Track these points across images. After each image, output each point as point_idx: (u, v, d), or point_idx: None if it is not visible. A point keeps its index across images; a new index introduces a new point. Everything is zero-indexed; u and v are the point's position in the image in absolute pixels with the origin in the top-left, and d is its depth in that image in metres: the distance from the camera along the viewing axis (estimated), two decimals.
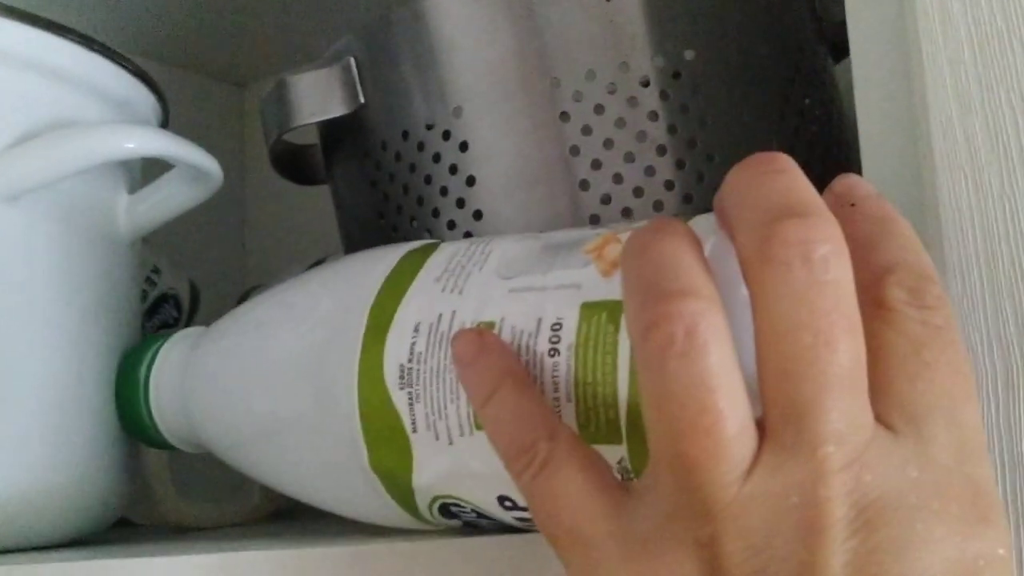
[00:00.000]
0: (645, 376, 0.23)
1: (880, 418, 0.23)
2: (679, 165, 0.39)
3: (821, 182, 0.41)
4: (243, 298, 0.69)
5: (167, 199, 0.40)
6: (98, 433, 0.39)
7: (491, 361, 0.27)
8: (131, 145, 0.36)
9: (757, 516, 0.22)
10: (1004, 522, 0.23)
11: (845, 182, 0.27)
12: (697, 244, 0.25)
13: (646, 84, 0.39)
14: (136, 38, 0.68)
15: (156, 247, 0.63)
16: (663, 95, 0.39)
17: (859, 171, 0.32)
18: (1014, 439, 0.27)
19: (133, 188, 0.41)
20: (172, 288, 0.64)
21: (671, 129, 0.39)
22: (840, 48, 0.46)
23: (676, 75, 0.39)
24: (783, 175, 0.24)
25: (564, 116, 0.39)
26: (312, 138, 0.49)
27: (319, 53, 0.44)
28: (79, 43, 0.37)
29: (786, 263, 0.22)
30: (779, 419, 0.22)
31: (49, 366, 0.37)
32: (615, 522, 0.24)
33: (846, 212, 0.25)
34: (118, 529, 0.44)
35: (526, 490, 0.25)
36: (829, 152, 0.42)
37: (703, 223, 0.28)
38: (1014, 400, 0.27)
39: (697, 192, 0.39)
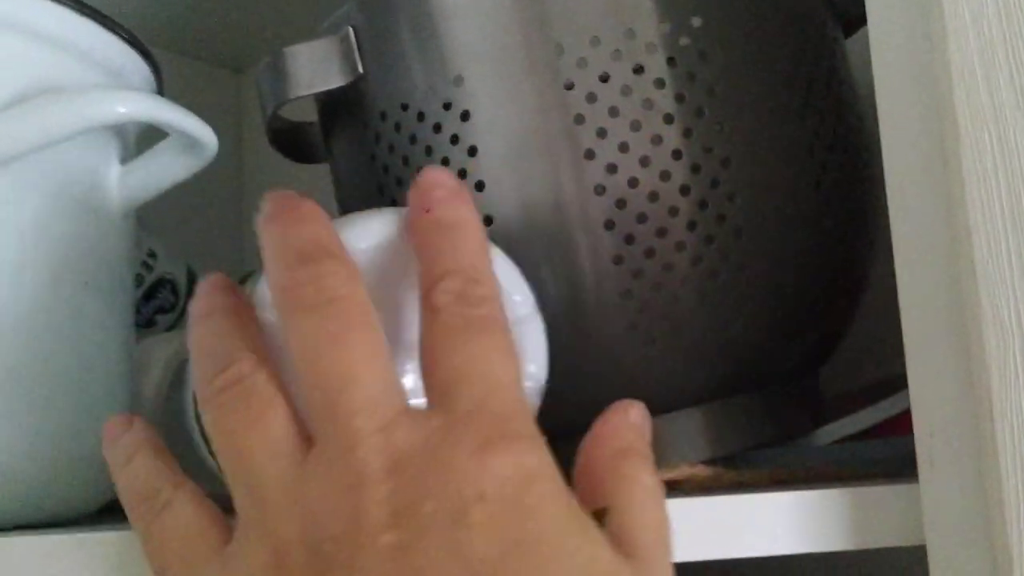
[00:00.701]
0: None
1: (427, 393, 0.28)
2: (686, 134, 0.38)
3: (832, 150, 0.40)
4: (241, 283, 0.68)
5: (160, 169, 0.39)
6: (86, 410, 0.37)
7: (129, 436, 0.32)
8: (123, 109, 0.35)
9: (312, 497, 0.26)
10: (531, 439, 0.28)
11: (427, 177, 0.32)
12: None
13: (653, 51, 0.38)
14: (132, 24, 0.67)
15: (153, 232, 0.61)
16: (670, 62, 0.38)
17: (874, 139, 0.31)
18: None
19: (126, 159, 0.40)
20: (169, 273, 0.63)
21: (678, 97, 0.38)
22: (850, 22, 0.45)
23: (684, 43, 0.38)
24: (304, 224, 0.30)
25: (568, 84, 0.38)
26: (311, 115, 0.48)
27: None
28: (70, 7, 0.36)
29: (301, 301, 0.28)
30: (318, 417, 0.27)
31: (35, 339, 0.36)
32: (217, 552, 0.28)
33: (419, 222, 0.31)
34: (106, 513, 0.43)
35: (144, 530, 0.29)
36: (839, 122, 0.41)
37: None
38: None
39: (705, 161, 0.38)
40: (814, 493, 0.30)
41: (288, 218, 0.30)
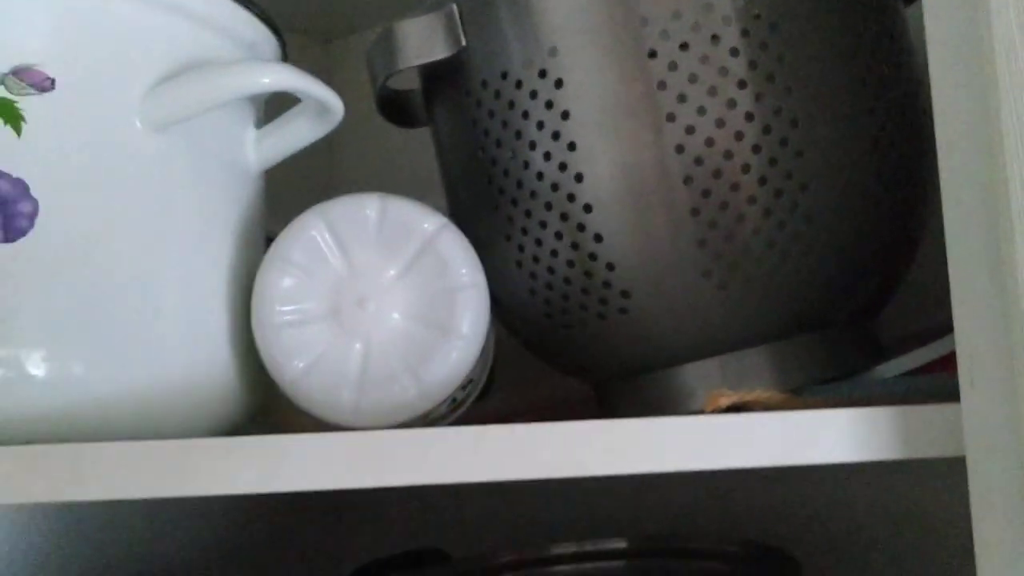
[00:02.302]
0: None
1: None
2: (758, 98, 0.42)
3: (891, 112, 0.44)
4: None
5: (292, 132, 0.44)
6: (227, 343, 0.43)
7: None
8: (266, 80, 0.40)
9: None
10: None
11: None
12: None
13: (728, 23, 0.42)
14: None
15: None
16: (744, 32, 0.42)
17: (927, 104, 0.35)
18: None
19: (259, 124, 0.46)
20: (271, 232, 0.68)
21: (751, 64, 0.42)
22: None
23: (756, 15, 0.42)
24: None
25: (652, 53, 0.42)
26: (412, 83, 0.53)
27: (403, 7, 0.48)
28: None
29: None
30: None
31: (187, 280, 0.41)
32: None
33: None
34: None
35: None
36: (898, 86, 0.45)
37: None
38: None
39: (775, 123, 0.42)
40: (868, 410, 0.35)
41: None
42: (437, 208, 0.48)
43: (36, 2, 0.38)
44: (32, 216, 0.38)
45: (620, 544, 0.57)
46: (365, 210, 0.42)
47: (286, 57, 0.48)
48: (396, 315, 0.42)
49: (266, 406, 0.49)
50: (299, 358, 0.41)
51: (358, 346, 0.41)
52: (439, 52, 0.46)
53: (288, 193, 0.78)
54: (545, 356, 0.51)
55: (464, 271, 0.42)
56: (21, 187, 0.38)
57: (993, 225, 0.32)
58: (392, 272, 0.42)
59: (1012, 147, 0.31)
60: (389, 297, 0.42)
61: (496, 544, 0.64)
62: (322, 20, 0.86)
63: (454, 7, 0.46)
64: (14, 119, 0.38)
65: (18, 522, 0.62)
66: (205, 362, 0.42)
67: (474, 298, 0.42)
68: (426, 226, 0.42)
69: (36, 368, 0.38)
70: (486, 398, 0.58)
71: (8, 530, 0.62)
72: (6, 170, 0.38)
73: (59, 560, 0.64)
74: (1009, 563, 0.32)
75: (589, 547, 0.57)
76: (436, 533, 0.74)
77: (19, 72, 0.38)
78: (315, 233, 0.42)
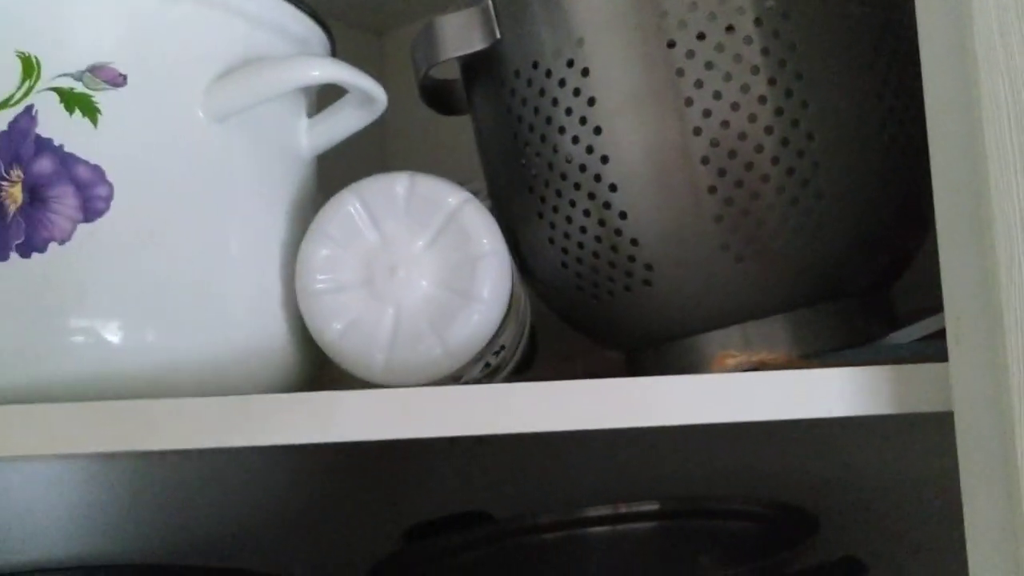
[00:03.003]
0: None
1: None
2: (771, 82, 0.45)
3: (899, 95, 0.46)
4: None
5: (340, 121, 0.49)
6: (283, 313, 0.47)
7: None
8: (316, 73, 0.44)
9: None
10: None
11: None
12: None
13: (742, 12, 0.45)
14: None
15: None
16: (757, 22, 0.45)
17: None
18: None
19: (311, 112, 0.50)
20: None
21: (764, 51, 0.45)
22: None
23: (769, 4, 0.45)
24: None
25: (671, 43, 0.45)
26: (454, 73, 0.56)
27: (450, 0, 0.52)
28: None
29: None
30: None
31: (246, 255, 0.46)
32: None
33: None
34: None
35: None
36: (905, 71, 0.47)
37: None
38: None
39: (787, 106, 0.45)
40: (863, 369, 0.38)
41: None
42: (478, 190, 0.52)
43: (109, 8, 0.43)
44: (108, 199, 0.42)
45: (653, 506, 0.60)
46: (395, 187, 0.46)
47: (335, 51, 0.52)
48: (424, 282, 0.45)
49: (329, 372, 0.53)
50: (336, 321, 0.45)
51: (390, 310, 0.45)
52: (476, 44, 0.50)
53: (345, 176, 0.82)
54: (578, 326, 0.55)
55: (485, 241, 0.46)
56: (98, 173, 0.42)
57: (975, 197, 0.35)
58: (420, 243, 0.46)
59: (992, 128, 0.34)
60: (417, 266, 0.45)
61: (537, 507, 0.68)
62: (375, 14, 0.90)
63: (489, 2, 0.50)
64: (91, 112, 0.42)
65: (98, 476, 0.67)
66: (263, 330, 0.46)
67: (494, 265, 0.46)
68: (450, 200, 0.46)
69: (112, 335, 0.42)
70: (529, 370, 0.62)
71: (88, 482, 0.67)
72: (85, 157, 0.42)
73: (133, 512, 0.69)
74: (993, 508, 0.35)
75: (623, 509, 0.60)
76: (482, 496, 0.78)
77: (95, 70, 0.42)
78: (350, 208, 0.46)
